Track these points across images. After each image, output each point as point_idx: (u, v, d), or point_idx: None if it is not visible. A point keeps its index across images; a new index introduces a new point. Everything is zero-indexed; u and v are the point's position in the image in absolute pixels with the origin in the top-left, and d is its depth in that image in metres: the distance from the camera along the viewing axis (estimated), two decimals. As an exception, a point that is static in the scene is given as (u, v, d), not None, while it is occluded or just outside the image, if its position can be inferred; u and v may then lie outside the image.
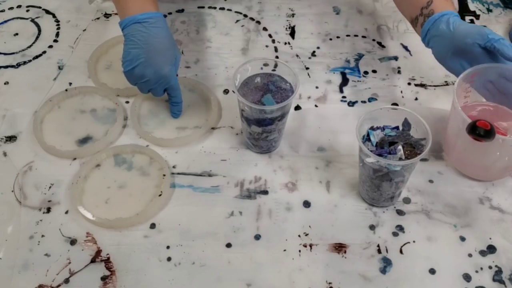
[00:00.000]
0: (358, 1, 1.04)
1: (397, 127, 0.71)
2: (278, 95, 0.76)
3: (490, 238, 0.72)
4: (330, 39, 0.97)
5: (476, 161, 0.75)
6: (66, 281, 0.69)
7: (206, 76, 0.92)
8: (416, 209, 0.75)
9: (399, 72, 0.92)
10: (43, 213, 0.75)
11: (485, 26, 0.84)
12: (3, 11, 1.03)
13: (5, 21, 1.02)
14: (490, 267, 0.69)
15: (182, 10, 1.03)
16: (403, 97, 0.88)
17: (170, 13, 1.02)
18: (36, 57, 0.95)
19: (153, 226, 0.74)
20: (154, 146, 0.82)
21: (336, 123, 0.85)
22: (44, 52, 0.96)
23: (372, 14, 1.02)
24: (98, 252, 0.71)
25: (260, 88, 0.76)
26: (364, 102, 0.88)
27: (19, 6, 1.04)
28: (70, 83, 0.91)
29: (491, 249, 0.71)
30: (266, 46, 0.96)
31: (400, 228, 0.73)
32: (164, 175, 0.78)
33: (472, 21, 1.00)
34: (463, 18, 1.01)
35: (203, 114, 0.86)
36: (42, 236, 0.73)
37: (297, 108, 0.87)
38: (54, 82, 0.91)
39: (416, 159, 0.67)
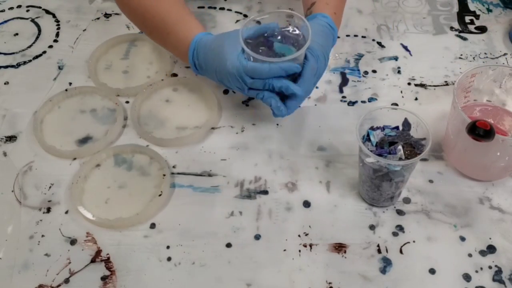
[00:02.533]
0: (358, 1, 1.04)
1: (397, 127, 0.71)
2: (288, 41, 0.75)
3: (490, 238, 0.72)
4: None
5: (476, 161, 0.75)
6: (66, 281, 0.69)
7: (206, 76, 0.92)
8: (416, 209, 0.75)
9: (399, 72, 0.92)
10: (43, 213, 0.75)
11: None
12: (3, 11, 1.03)
13: (5, 21, 1.02)
14: (490, 267, 0.70)
15: (182, 10, 1.03)
16: (403, 97, 0.88)
17: (170, 13, 1.02)
18: (36, 57, 0.95)
19: (153, 226, 0.74)
20: (154, 146, 0.82)
21: (336, 123, 0.85)
22: (44, 52, 0.96)
23: (372, 14, 1.02)
24: (98, 252, 0.71)
25: (262, 44, 0.75)
26: (364, 102, 0.88)
27: (19, 6, 1.04)
28: (70, 83, 0.91)
29: (491, 249, 0.71)
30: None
31: (400, 228, 0.73)
32: (164, 175, 0.78)
33: (472, 21, 1.01)
34: (463, 18, 1.01)
35: (203, 114, 0.86)
36: (42, 236, 0.73)
37: (297, 108, 0.87)
38: (54, 82, 0.91)
39: (416, 159, 0.67)
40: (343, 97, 0.88)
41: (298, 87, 0.75)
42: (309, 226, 0.73)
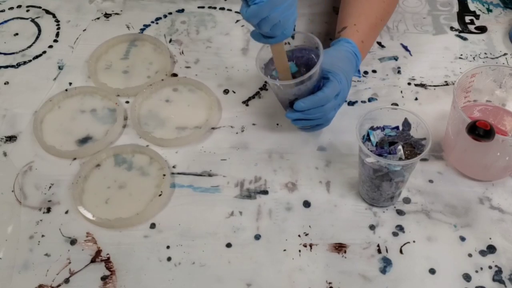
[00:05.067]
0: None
1: (397, 127, 0.71)
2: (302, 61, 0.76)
3: (490, 238, 0.72)
4: (330, 39, 0.97)
5: (476, 161, 0.75)
6: (66, 281, 0.69)
7: (206, 76, 0.92)
8: (416, 209, 0.75)
9: (399, 72, 0.92)
10: (43, 213, 0.75)
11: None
12: (3, 11, 1.03)
13: (5, 21, 1.02)
14: (490, 267, 0.70)
15: (182, 10, 1.03)
16: (403, 97, 0.88)
17: (170, 13, 1.02)
18: (36, 57, 0.95)
19: (153, 226, 0.74)
20: (154, 146, 0.82)
21: (336, 123, 0.85)
22: (44, 52, 0.96)
23: (372, 14, 1.02)
24: (98, 252, 0.71)
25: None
26: (364, 102, 0.88)
27: (19, 6, 1.04)
28: (70, 83, 0.91)
29: (491, 249, 0.71)
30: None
31: (400, 228, 0.73)
32: (164, 175, 0.78)
33: (472, 21, 1.01)
34: (463, 18, 1.01)
35: (203, 114, 0.86)
36: (42, 236, 0.73)
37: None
38: (54, 82, 0.91)
39: (416, 159, 0.67)
40: (343, 97, 0.89)
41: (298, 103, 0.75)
42: (309, 226, 0.73)
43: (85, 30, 1.00)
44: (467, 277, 0.69)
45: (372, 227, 0.73)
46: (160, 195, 0.75)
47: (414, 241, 0.72)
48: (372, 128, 0.71)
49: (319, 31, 0.99)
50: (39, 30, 1.00)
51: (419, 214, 0.74)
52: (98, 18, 1.02)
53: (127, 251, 0.71)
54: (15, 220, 0.74)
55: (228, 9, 1.03)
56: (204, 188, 0.78)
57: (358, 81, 0.91)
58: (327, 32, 0.99)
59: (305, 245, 0.72)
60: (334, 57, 0.79)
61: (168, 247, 0.72)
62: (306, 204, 0.76)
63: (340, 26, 0.86)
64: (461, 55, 0.95)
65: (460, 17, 1.02)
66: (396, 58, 0.94)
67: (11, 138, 0.84)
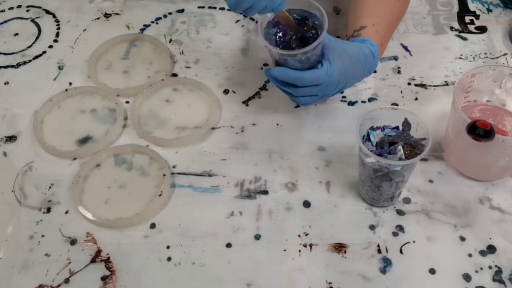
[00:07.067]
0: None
1: (397, 127, 0.71)
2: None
3: (490, 238, 0.72)
4: (330, 39, 0.97)
5: (476, 161, 0.75)
6: (66, 281, 0.69)
7: (206, 76, 0.92)
8: (416, 209, 0.75)
9: (399, 72, 0.92)
10: (43, 213, 0.75)
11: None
12: (3, 11, 1.03)
13: (5, 21, 1.02)
14: (490, 267, 0.70)
15: (182, 10, 1.03)
16: (403, 97, 0.88)
17: (170, 13, 1.02)
18: (36, 57, 0.95)
19: (153, 226, 0.74)
20: (154, 146, 0.82)
21: (336, 122, 0.85)
22: (44, 52, 0.96)
23: (372, 14, 1.02)
24: (98, 252, 0.71)
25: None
26: (364, 102, 0.88)
27: (19, 6, 1.04)
28: (70, 83, 0.91)
29: (491, 249, 0.71)
30: (266, 46, 0.96)
31: (400, 228, 0.73)
32: (164, 175, 0.78)
33: (472, 21, 1.01)
34: (463, 18, 1.01)
35: (203, 114, 0.86)
36: (42, 236, 0.73)
37: (297, 106, 0.87)
38: (54, 82, 0.91)
39: (416, 159, 0.67)
40: (343, 97, 0.88)
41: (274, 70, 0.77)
42: (309, 226, 0.73)
43: (85, 30, 1.00)
44: (467, 277, 0.69)
45: (372, 227, 0.73)
46: (160, 195, 0.75)
47: (414, 241, 0.72)
48: (372, 128, 0.71)
49: (319, 31, 0.99)
50: (39, 30, 1.00)
51: (419, 214, 0.74)
52: (98, 18, 1.02)
53: (127, 251, 0.71)
54: (15, 220, 0.74)
55: (228, 9, 1.03)
56: (204, 188, 0.78)
57: (358, 81, 0.91)
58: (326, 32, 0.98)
59: (305, 245, 0.72)
60: (347, 53, 0.77)
61: (168, 247, 0.72)
62: (306, 204, 0.76)
63: (357, 25, 0.83)
64: (461, 55, 0.95)
65: (460, 17, 1.02)
66: (396, 58, 0.94)
67: (11, 138, 0.84)
